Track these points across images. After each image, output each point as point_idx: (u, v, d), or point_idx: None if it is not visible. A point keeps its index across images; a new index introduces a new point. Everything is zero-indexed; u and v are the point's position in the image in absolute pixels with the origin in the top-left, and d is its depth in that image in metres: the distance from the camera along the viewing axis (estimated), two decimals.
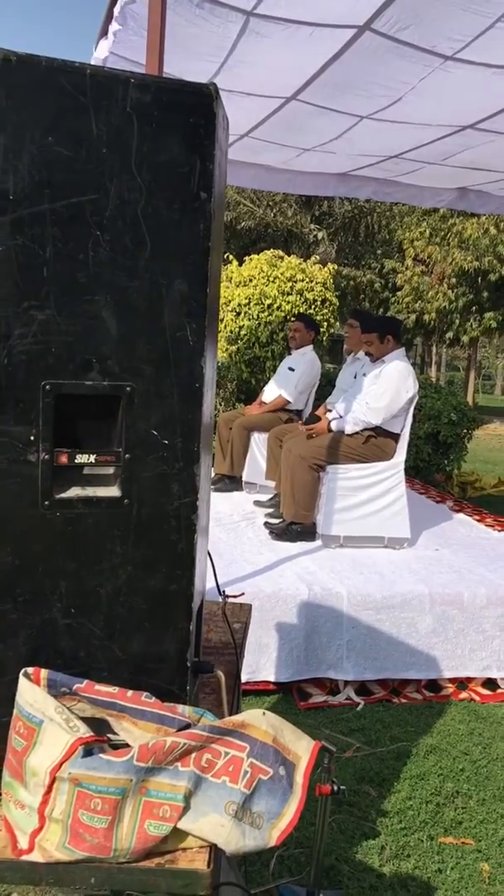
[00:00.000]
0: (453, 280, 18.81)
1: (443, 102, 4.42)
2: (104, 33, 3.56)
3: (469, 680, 3.59)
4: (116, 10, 3.26)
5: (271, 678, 3.33)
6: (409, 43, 3.62)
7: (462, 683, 3.57)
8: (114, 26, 3.39)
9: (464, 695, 3.51)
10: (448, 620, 3.59)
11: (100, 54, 3.66)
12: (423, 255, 19.38)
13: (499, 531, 5.07)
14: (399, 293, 19.87)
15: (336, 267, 10.65)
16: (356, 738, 3.04)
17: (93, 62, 3.64)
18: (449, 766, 2.88)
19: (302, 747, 1.32)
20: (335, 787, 2.20)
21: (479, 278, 18.49)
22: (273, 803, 1.22)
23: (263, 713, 1.27)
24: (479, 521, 5.36)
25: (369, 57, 3.77)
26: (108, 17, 3.43)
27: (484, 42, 3.57)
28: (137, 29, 3.30)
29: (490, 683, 3.62)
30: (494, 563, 4.17)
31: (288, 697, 3.35)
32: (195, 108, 1.23)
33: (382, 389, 4.50)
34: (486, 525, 5.24)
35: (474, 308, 19.13)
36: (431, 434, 8.02)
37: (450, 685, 3.56)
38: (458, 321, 19.46)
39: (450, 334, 20.01)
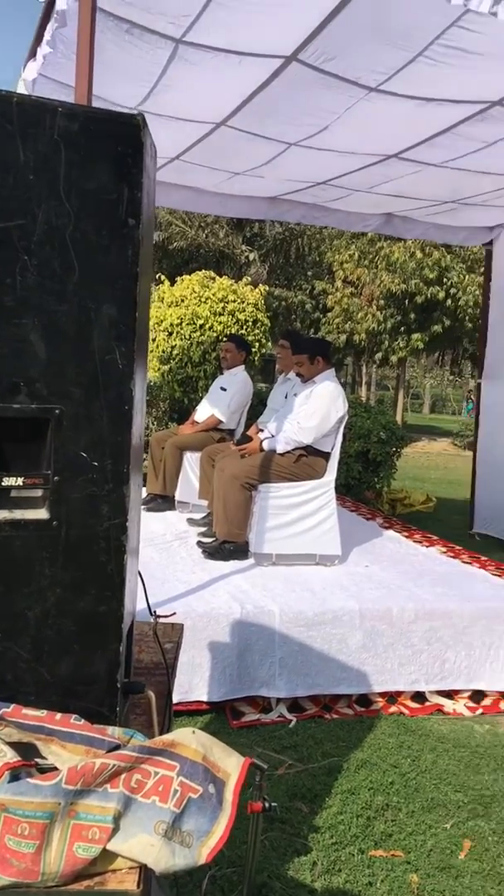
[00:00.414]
0: (382, 302, 19.21)
1: (368, 132, 4.55)
2: (33, 55, 3.57)
3: (398, 694, 3.66)
4: (47, 34, 3.27)
5: (204, 698, 3.33)
6: (335, 74, 3.74)
7: (392, 697, 3.64)
8: (43, 49, 3.40)
9: (393, 708, 3.57)
10: (377, 635, 3.66)
11: (28, 76, 3.66)
12: (352, 277, 19.76)
13: (427, 547, 5.18)
14: (329, 314, 20.19)
15: (267, 288, 10.78)
16: (289, 755, 3.07)
17: (21, 83, 3.64)
18: (379, 779, 2.93)
19: (231, 764, 1.34)
20: (267, 805, 2.21)
21: (407, 300, 18.94)
22: (203, 821, 1.23)
23: (193, 732, 1.28)
24: (407, 537, 5.47)
25: (296, 86, 3.87)
26: (38, 40, 3.44)
27: (406, 75, 3.71)
28: (67, 52, 3.32)
29: (418, 696, 3.69)
30: (422, 579, 4.27)
31: (221, 716, 3.36)
32: (123, 138, 1.26)
33: (313, 409, 4.58)
34: (415, 541, 5.35)
35: (402, 329, 19.57)
36: (362, 452, 8.16)
37: (380, 699, 3.61)
38: (386, 342, 19.85)
39: (379, 354, 20.39)
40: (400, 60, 3.57)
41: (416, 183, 5.63)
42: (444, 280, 18.69)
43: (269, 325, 10.18)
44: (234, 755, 1.36)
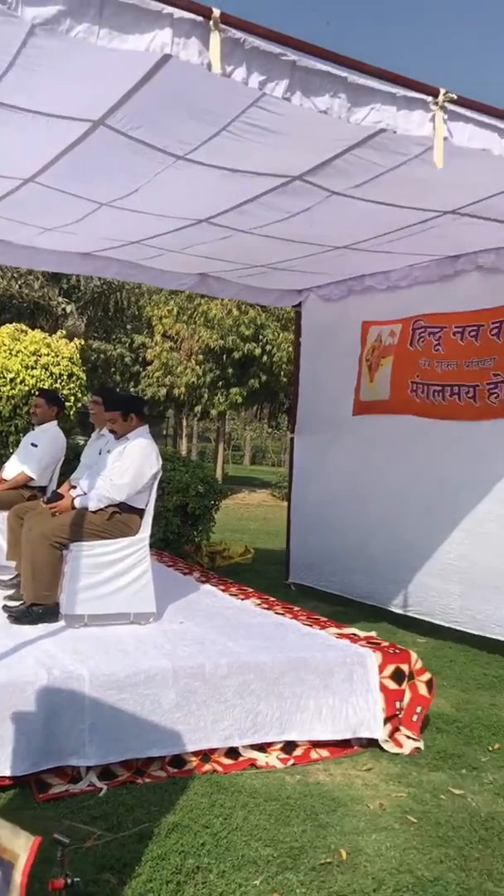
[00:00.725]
0: (200, 357, 19.60)
1: (178, 197, 4.69)
2: None
3: (212, 751, 3.65)
4: None
5: (7, 772, 3.16)
6: (142, 141, 3.83)
7: (205, 756, 3.62)
8: None
9: (207, 767, 3.56)
10: (191, 693, 3.65)
11: None
12: (171, 331, 20.05)
13: (242, 599, 5.26)
14: (149, 367, 20.32)
15: (83, 342, 10.70)
16: (98, 825, 2.97)
17: None
18: (190, 841, 2.90)
19: (20, 845, 1.29)
20: (69, 881, 2.14)
21: (224, 356, 19.44)
22: None
23: None
24: (223, 590, 5.53)
25: (105, 149, 3.93)
26: None
27: (211, 147, 3.86)
28: None
29: (232, 752, 3.70)
30: (236, 632, 4.32)
31: (26, 791, 3.21)
32: None
33: (126, 466, 4.57)
34: (230, 594, 5.42)
35: (221, 383, 20.02)
36: (180, 506, 8.21)
37: (193, 758, 3.59)
38: (206, 395, 20.21)
39: (199, 408, 20.70)
40: (204, 133, 3.71)
41: (227, 246, 5.84)
42: (260, 337, 19.39)
43: (86, 378, 10.10)
44: (23, 835, 1.32)
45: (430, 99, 3.21)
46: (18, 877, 1.26)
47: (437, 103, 3.20)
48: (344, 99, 3.08)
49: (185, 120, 3.62)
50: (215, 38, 2.73)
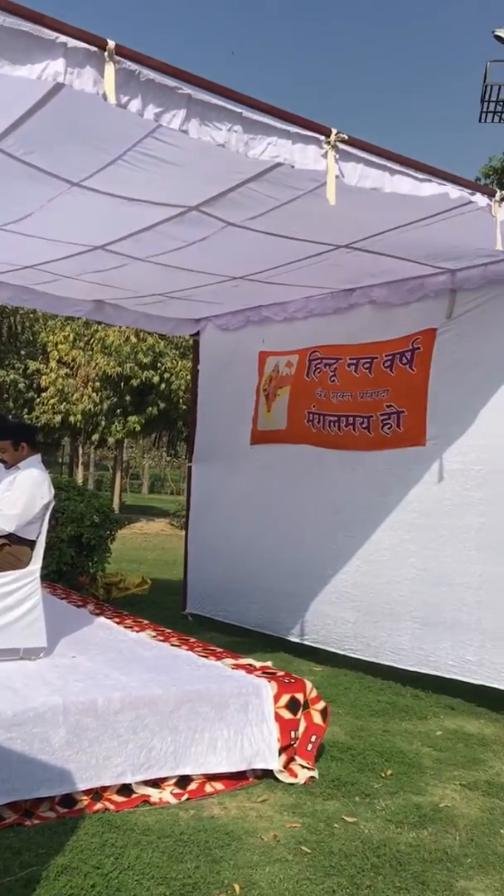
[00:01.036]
0: (97, 384, 19.37)
1: (73, 223, 4.65)
2: None
3: (104, 789, 3.55)
4: None
5: None
6: (36, 166, 3.79)
7: (97, 794, 3.51)
8: None
9: (98, 805, 3.45)
10: (82, 730, 3.54)
11: None
12: (67, 358, 19.75)
13: (137, 632, 5.17)
14: (44, 394, 19.92)
15: None
16: None
17: None
18: (80, 883, 2.80)
19: None
20: None
21: (122, 383, 19.28)
22: None
23: None
24: (118, 623, 5.43)
25: None
26: None
27: (107, 175, 3.86)
28: None
29: (125, 789, 3.60)
30: (129, 666, 4.24)
31: None
32: None
33: (16, 496, 4.45)
34: (125, 627, 5.32)
35: (119, 411, 19.82)
36: (75, 537, 8.04)
37: (84, 797, 3.48)
38: (103, 423, 19.96)
39: (96, 436, 20.42)
40: (99, 161, 3.71)
41: (123, 274, 5.82)
42: (159, 364, 19.35)
43: None
44: None
45: (322, 138, 3.31)
46: None
47: (328, 142, 3.30)
48: (241, 132, 3.14)
49: (80, 147, 3.61)
50: (110, 69, 2.73)
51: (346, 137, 3.35)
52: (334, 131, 3.32)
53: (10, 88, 2.96)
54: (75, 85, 2.72)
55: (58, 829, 3.23)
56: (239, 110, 3.13)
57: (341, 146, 3.35)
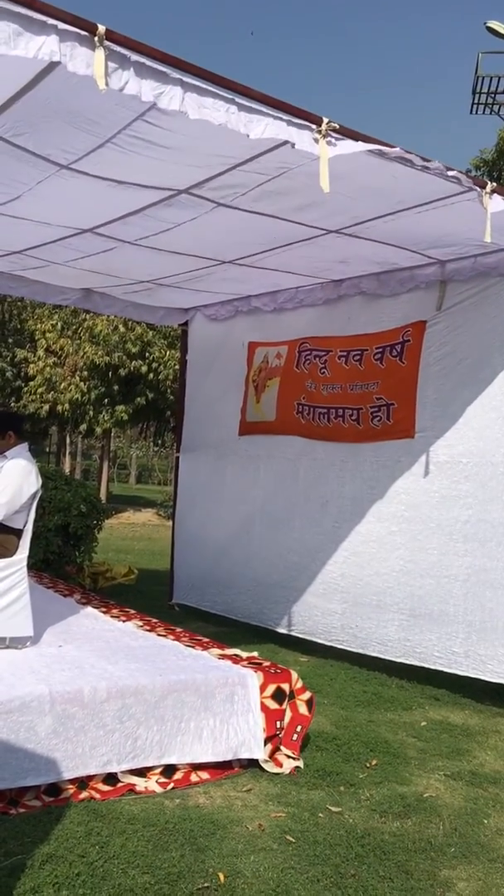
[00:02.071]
0: (85, 373, 19.26)
1: (62, 205, 4.62)
2: None
3: (90, 778, 3.55)
4: None
5: None
6: (25, 148, 3.75)
7: (83, 783, 3.51)
8: None
9: (84, 794, 3.45)
10: (68, 719, 3.54)
11: None
12: (55, 347, 19.63)
13: (123, 621, 5.17)
14: (32, 383, 19.81)
15: None
16: None
17: None
18: (65, 872, 2.80)
19: None
20: None
21: (110, 373, 19.17)
22: None
23: None
24: (105, 612, 5.42)
25: None
26: None
27: (96, 158, 3.82)
28: None
29: (110, 779, 3.60)
30: (116, 655, 4.23)
31: None
32: None
33: (4, 485, 4.43)
34: (112, 616, 5.31)
35: (106, 401, 19.72)
36: (61, 526, 8.02)
37: (70, 786, 3.47)
38: (91, 412, 19.87)
39: (84, 425, 20.32)
40: (89, 144, 3.67)
41: (111, 259, 5.78)
42: (147, 354, 19.25)
43: None
44: None
45: (314, 127, 3.29)
46: None
47: (320, 131, 3.28)
48: (237, 111, 3.11)
49: (68, 130, 3.57)
50: (100, 54, 2.71)
51: (337, 126, 3.34)
52: (325, 120, 3.31)
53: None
54: (69, 66, 2.69)
55: (43, 817, 3.22)
56: (231, 96, 3.10)
57: (333, 135, 3.34)
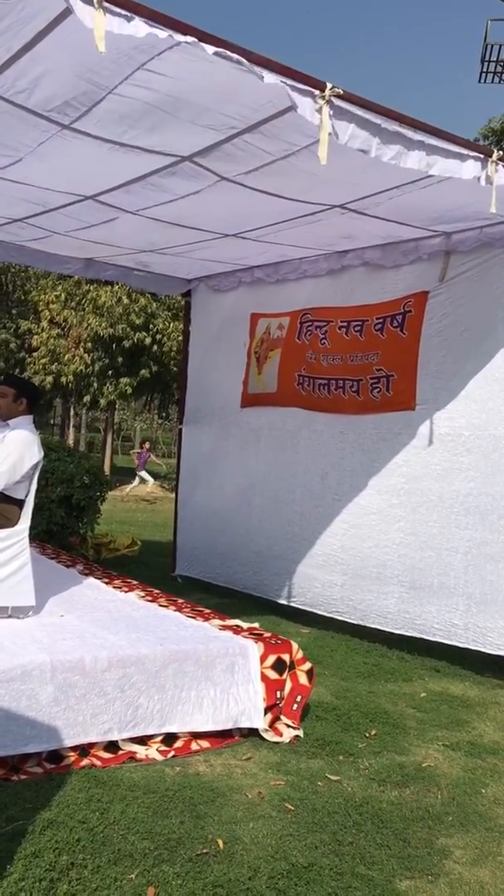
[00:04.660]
0: (89, 345, 19.21)
1: (64, 169, 4.55)
2: None
3: (91, 746, 3.58)
4: None
5: None
6: (25, 107, 3.68)
7: (84, 750, 3.55)
8: None
9: (85, 762, 3.49)
10: (70, 687, 3.57)
11: None
12: (58, 318, 19.56)
13: (125, 592, 5.19)
14: (35, 354, 19.77)
15: None
16: None
17: None
18: (65, 837, 2.83)
19: None
20: None
21: (114, 344, 19.12)
22: None
23: None
24: (107, 583, 5.44)
25: None
26: None
27: (97, 114, 3.73)
28: None
29: (111, 746, 3.64)
30: (117, 625, 4.25)
31: None
32: None
33: (5, 454, 4.43)
34: (114, 587, 5.33)
35: (110, 373, 19.69)
36: (65, 497, 8.03)
37: (72, 754, 3.51)
38: (95, 384, 19.85)
39: (88, 397, 20.31)
40: (91, 97, 3.58)
41: (114, 229, 5.73)
42: (151, 326, 19.18)
43: None
44: None
45: (316, 93, 3.23)
46: None
47: (323, 97, 3.22)
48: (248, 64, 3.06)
49: (71, 80, 3.48)
50: (99, 16, 2.66)
51: (342, 92, 3.27)
52: (329, 85, 3.25)
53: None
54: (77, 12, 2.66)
55: (44, 784, 3.26)
56: (238, 58, 3.04)
57: (336, 101, 3.28)
